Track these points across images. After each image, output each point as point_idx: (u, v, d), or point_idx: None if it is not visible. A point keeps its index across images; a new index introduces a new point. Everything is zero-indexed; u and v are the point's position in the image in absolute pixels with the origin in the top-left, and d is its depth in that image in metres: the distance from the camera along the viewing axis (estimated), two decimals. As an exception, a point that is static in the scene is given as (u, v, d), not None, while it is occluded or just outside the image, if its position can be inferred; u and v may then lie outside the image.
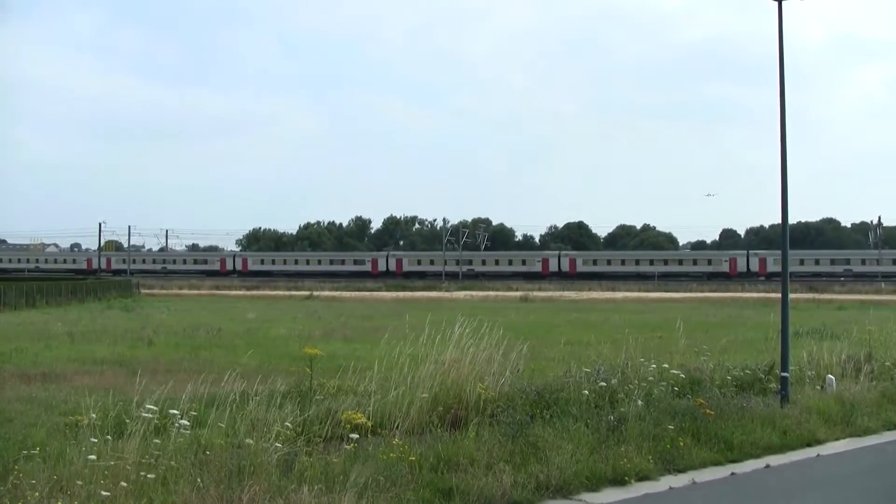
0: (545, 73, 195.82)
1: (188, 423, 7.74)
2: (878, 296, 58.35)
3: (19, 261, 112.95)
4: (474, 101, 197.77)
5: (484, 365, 10.67)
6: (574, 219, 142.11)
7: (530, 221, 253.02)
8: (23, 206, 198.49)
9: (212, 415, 8.19)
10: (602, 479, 8.29)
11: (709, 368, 13.01)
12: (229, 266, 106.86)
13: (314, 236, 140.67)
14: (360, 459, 7.78)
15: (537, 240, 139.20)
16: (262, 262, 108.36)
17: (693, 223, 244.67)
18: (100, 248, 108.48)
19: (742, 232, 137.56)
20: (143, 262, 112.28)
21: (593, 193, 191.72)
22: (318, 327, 29.15)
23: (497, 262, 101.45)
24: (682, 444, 9.38)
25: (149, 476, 6.71)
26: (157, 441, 7.31)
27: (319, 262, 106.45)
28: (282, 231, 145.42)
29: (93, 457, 6.79)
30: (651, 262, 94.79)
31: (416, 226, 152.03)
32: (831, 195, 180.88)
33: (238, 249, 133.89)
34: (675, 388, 11.63)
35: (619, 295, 63.44)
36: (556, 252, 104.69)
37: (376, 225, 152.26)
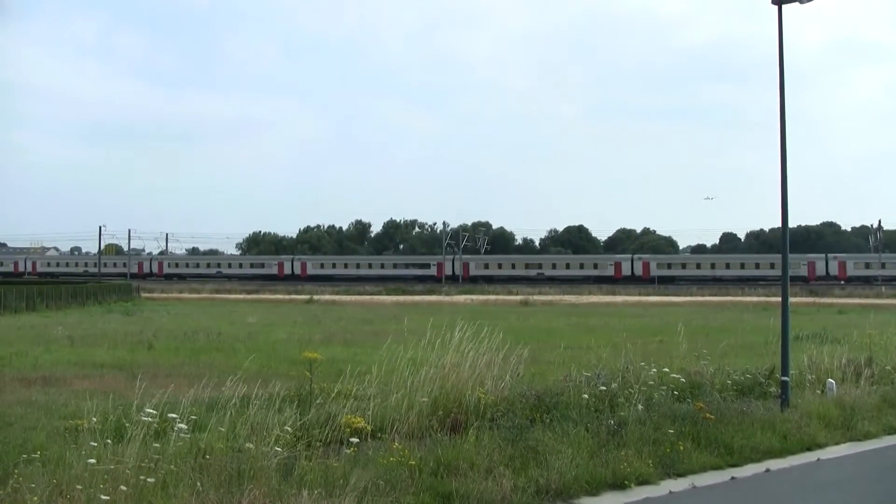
0: (545, 76, 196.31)
1: (186, 428, 7.73)
2: (878, 300, 58.30)
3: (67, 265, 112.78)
4: (474, 103, 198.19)
5: (484, 369, 10.68)
6: (574, 222, 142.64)
7: (530, 225, 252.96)
8: (23, 208, 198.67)
9: (212, 419, 8.19)
10: (602, 483, 8.29)
11: (709, 372, 13.00)
12: (287, 270, 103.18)
13: (314, 240, 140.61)
14: (360, 464, 7.79)
15: (537, 243, 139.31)
16: (322, 265, 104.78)
17: (693, 227, 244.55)
18: (100, 252, 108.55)
19: (742, 235, 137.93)
20: (197, 265, 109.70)
21: (593, 197, 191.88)
22: (318, 331, 29.11)
23: (568, 266, 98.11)
24: (682, 448, 9.37)
25: (148, 480, 6.71)
26: (156, 445, 7.30)
27: (382, 265, 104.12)
28: (282, 235, 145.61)
29: (92, 461, 6.79)
30: (727, 266, 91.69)
31: (416, 229, 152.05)
32: (832, 199, 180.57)
33: (239, 253, 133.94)
34: (676, 393, 11.63)
35: (619, 299, 63.44)
36: (630, 256, 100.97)
37: (376, 228, 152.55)
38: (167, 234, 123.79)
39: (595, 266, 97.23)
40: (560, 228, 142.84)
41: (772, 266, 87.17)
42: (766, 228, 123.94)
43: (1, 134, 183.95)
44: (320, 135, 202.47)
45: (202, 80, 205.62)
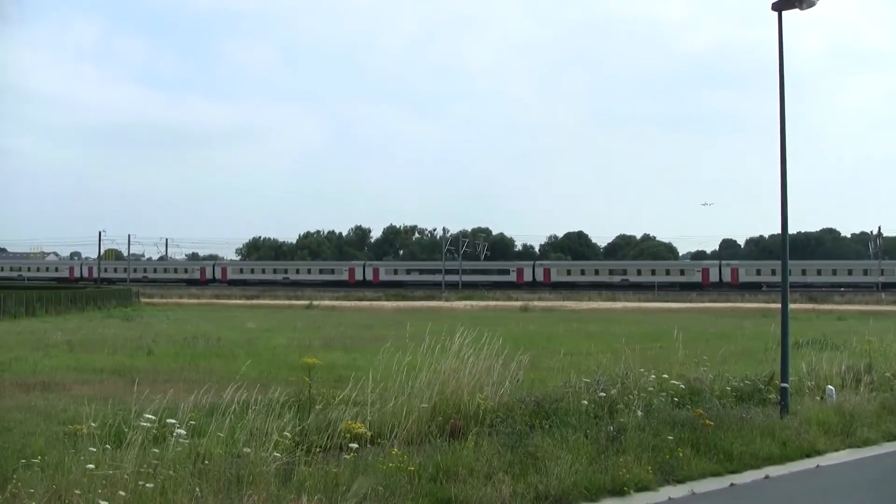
0: (545, 84, 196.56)
1: (185, 433, 7.72)
2: (878, 306, 58.29)
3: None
4: (474, 111, 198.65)
5: (483, 375, 10.68)
6: (574, 228, 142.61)
7: (530, 231, 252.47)
8: (23, 213, 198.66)
9: (211, 424, 8.19)
10: (601, 489, 8.28)
11: (708, 379, 12.99)
12: (358, 276, 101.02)
13: (314, 245, 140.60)
14: (360, 469, 7.78)
15: (537, 249, 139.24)
16: (396, 272, 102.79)
17: (693, 233, 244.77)
18: (99, 257, 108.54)
19: (742, 242, 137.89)
20: (263, 271, 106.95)
21: (593, 203, 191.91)
22: (317, 337, 29.10)
23: (654, 272, 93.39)
24: (681, 454, 9.37)
25: (147, 485, 6.70)
26: (155, 450, 7.30)
27: (463, 271, 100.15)
28: (281, 240, 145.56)
29: (91, 466, 6.79)
30: (819, 272, 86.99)
31: (416, 235, 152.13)
32: (831, 205, 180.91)
33: (238, 258, 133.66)
34: (675, 399, 11.62)
35: (618, 305, 63.45)
36: (717, 262, 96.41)
37: (376, 234, 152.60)
38: (167, 240, 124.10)
39: (682, 272, 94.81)
40: (560, 234, 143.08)
41: (865, 273, 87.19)
42: (766, 235, 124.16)
43: (0, 139, 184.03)
44: (320, 140, 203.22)
45: (203, 85, 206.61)
